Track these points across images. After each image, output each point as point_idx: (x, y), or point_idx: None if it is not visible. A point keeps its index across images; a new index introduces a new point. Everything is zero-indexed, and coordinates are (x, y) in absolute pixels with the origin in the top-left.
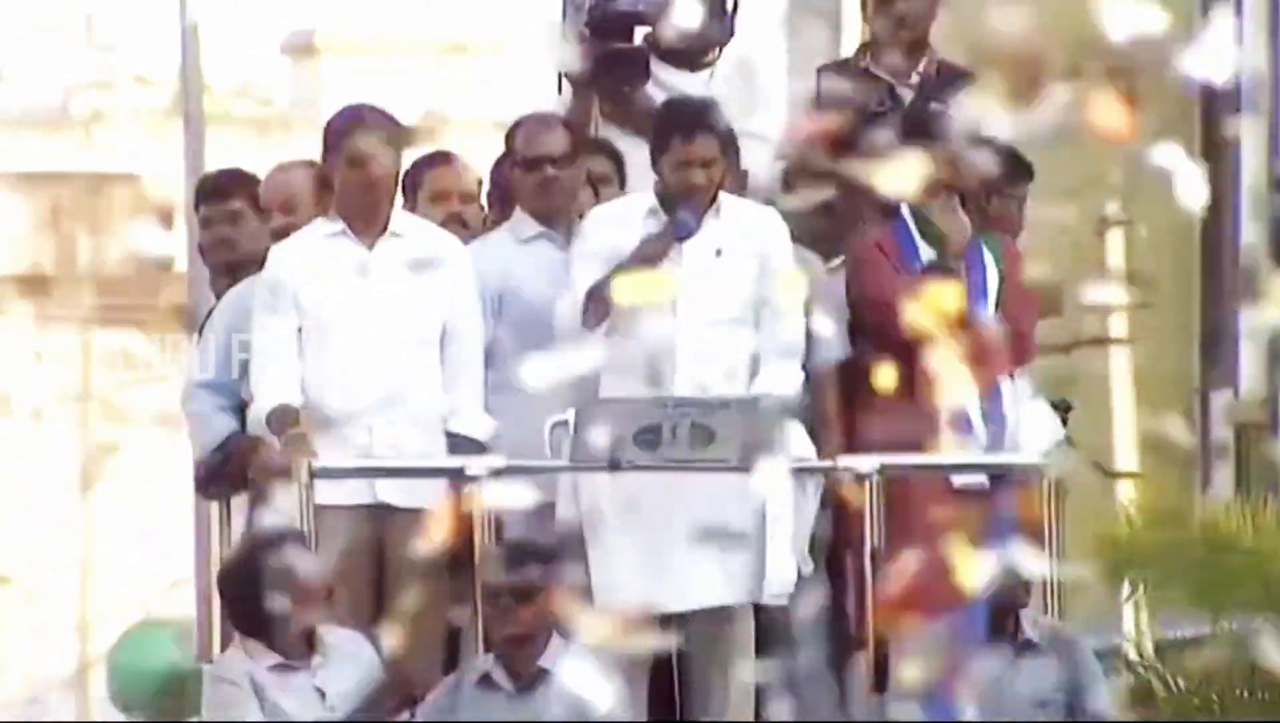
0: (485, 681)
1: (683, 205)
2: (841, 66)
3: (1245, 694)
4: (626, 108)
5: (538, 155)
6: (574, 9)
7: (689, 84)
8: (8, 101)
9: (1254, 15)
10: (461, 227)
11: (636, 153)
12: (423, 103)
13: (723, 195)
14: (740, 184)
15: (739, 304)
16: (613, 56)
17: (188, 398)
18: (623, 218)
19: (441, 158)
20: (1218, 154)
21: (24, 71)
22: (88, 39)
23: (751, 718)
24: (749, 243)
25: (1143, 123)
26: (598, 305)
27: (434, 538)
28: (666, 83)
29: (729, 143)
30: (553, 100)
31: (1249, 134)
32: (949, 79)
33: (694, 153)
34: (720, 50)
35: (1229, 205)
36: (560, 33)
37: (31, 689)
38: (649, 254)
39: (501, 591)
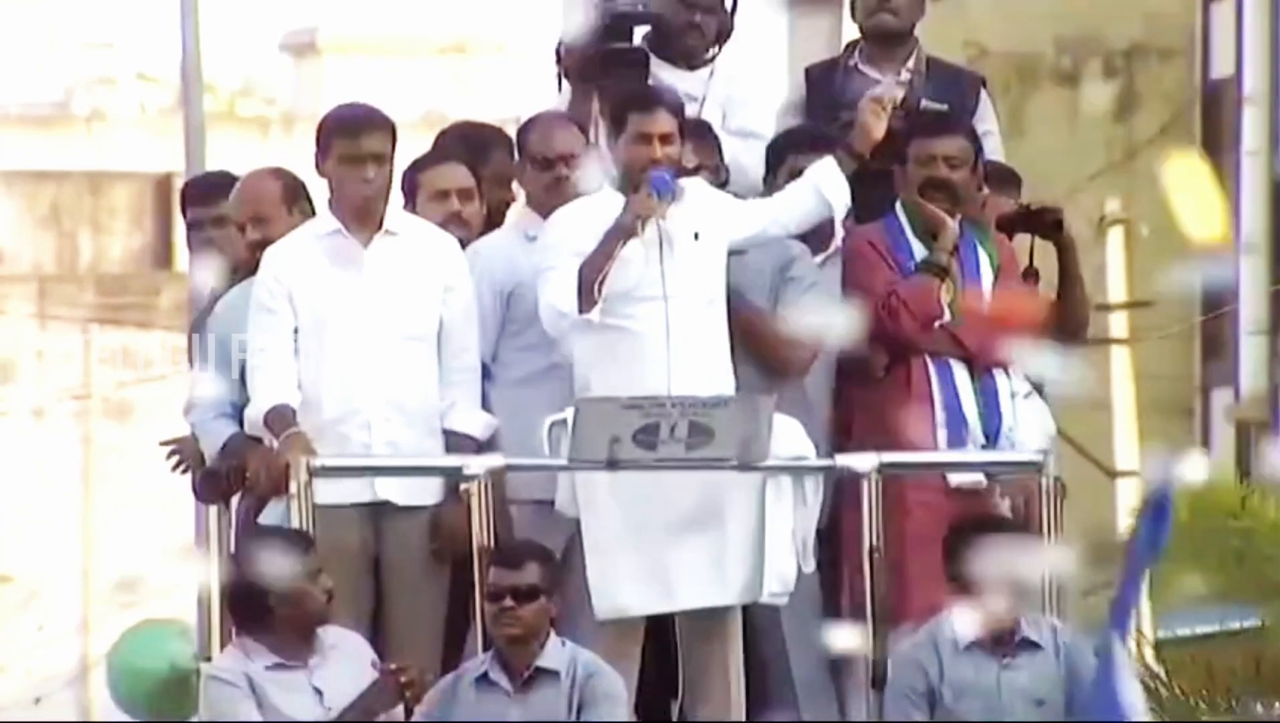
0: (483, 679)
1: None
2: (829, 66)
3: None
4: None
5: (552, 155)
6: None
7: (688, 82)
8: (8, 99)
9: (1254, 15)
10: (462, 225)
11: None
12: (422, 102)
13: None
14: (722, 181)
15: (717, 288)
16: (612, 56)
17: (188, 411)
18: (590, 208)
19: (437, 157)
20: (1218, 153)
21: (24, 69)
22: (88, 37)
23: (743, 717)
24: (720, 226)
25: (1143, 123)
26: (595, 284)
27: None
28: (666, 82)
29: (684, 131)
30: (552, 100)
31: (1249, 134)
32: (939, 76)
33: (651, 125)
34: (719, 48)
35: (1230, 201)
36: (560, 32)
37: (33, 688)
38: (642, 210)
39: (503, 590)
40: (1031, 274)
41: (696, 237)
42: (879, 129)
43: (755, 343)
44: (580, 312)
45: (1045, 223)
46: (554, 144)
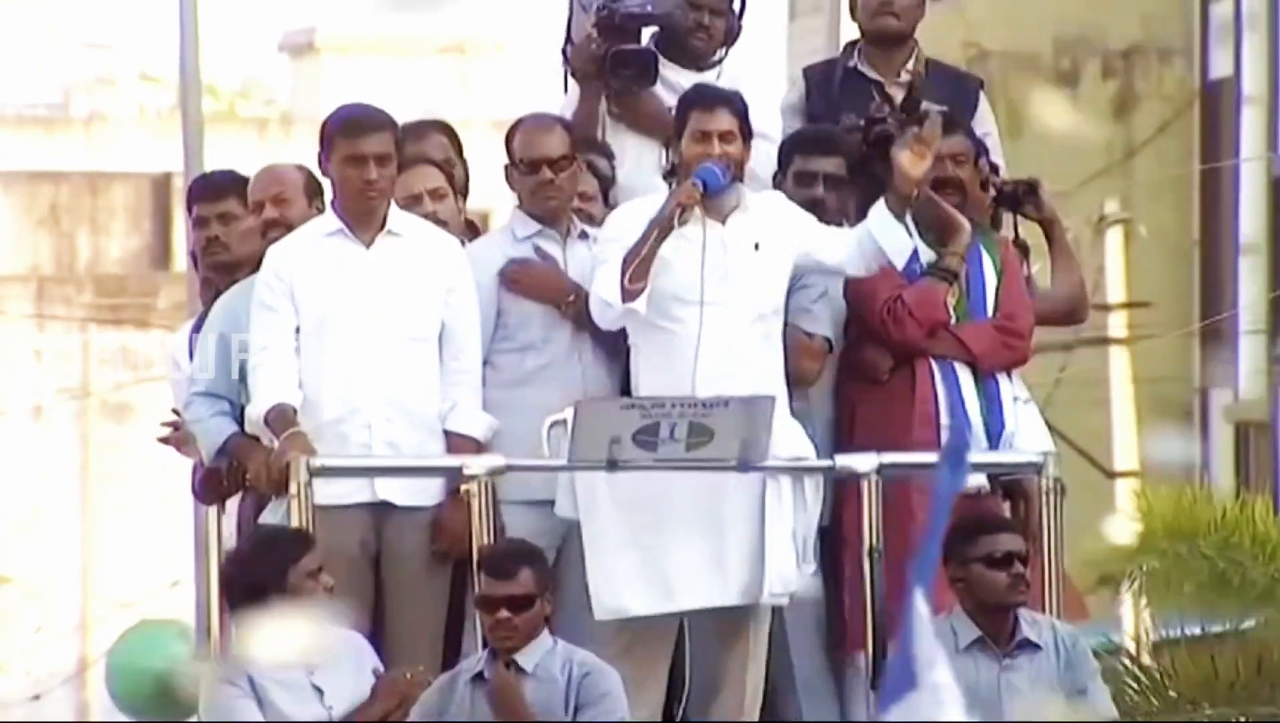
0: (479, 679)
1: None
2: (828, 67)
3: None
4: (634, 108)
5: (535, 157)
6: (581, 10)
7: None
8: (7, 99)
9: (1253, 15)
10: (439, 224)
11: (645, 153)
12: (421, 102)
13: (744, 190)
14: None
15: (771, 302)
16: (620, 57)
17: (185, 409)
18: (650, 204)
19: (402, 164)
20: (1218, 150)
21: (24, 69)
22: (88, 37)
23: (757, 718)
24: (780, 235)
25: (1142, 123)
26: (639, 276)
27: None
28: (674, 83)
29: (750, 134)
30: (559, 100)
31: (1248, 134)
32: (939, 77)
33: (711, 123)
34: (727, 50)
35: (1229, 204)
36: (567, 33)
37: (31, 688)
38: (684, 199)
39: (498, 602)
40: (1020, 246)
41: (756, 247)
42: (919, 169)
43: None
44: (622, 302)
45: (1019, 196)
46: (538, 148)
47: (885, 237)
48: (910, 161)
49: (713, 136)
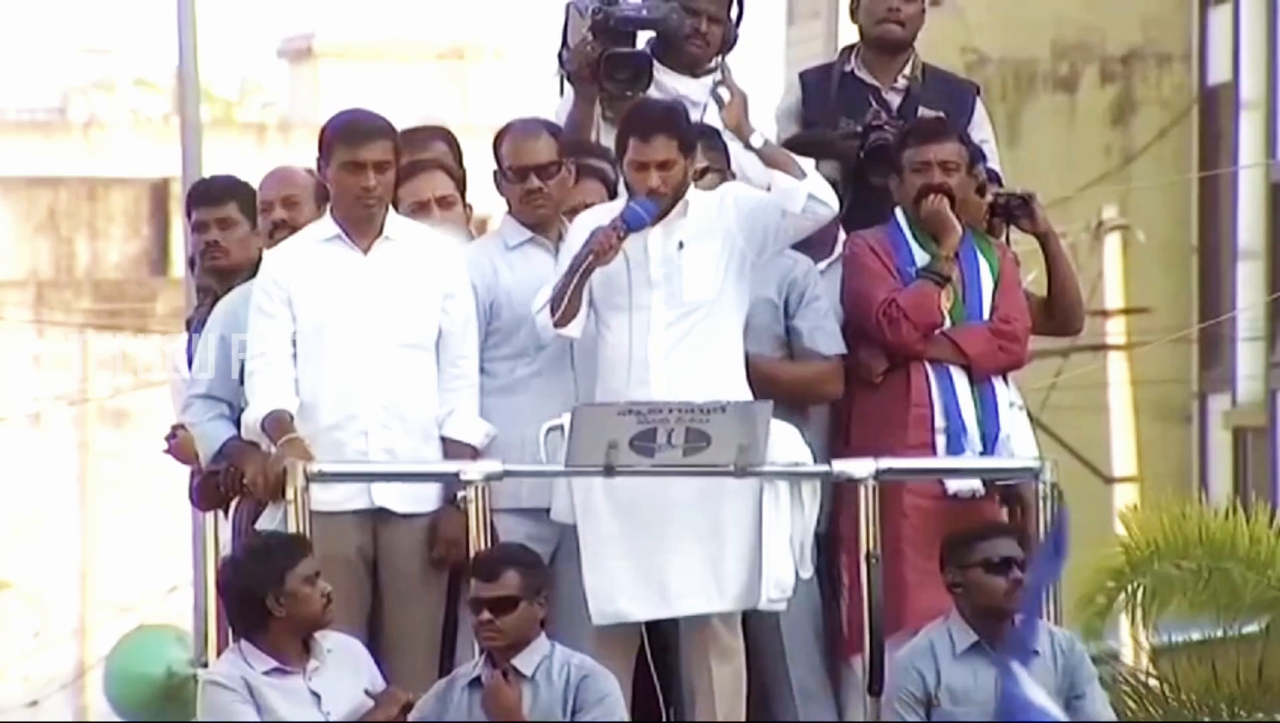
0: (476, 683)
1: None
2: (824, 71)
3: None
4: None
5: (523, 165)
6: (577, 13)
7: (691, 89)
8: (6, 105)
9: (1251, 20)
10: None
11: None
12: (420, 107)
13: (691, 192)
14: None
15: (704, 294)
16: (615, 60)
17: (184, 411)
18: (607, 214)
19: (410, 170)
20: (1217, 155)
21: (22, 75)
22: (86, 43)
23: (742, 719)
24: (713, 226)
25: (1140, 128)
26: (561, 303)
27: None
28: (669, 88)
29: (692, 146)
30: (555, 104)
31: (1247, 138)
32: (934, 83)
33: (648, 153)
34: (723, 57)
35: (1228, 207)
36: (563, 37)
37: (29, 693)
38: (598, 246)
39: (481, 603)
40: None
41: (680, 246)
42: (731, 114)
43: (782, 392)
44: (555, 326)
45: (1013, 210)
46: (525, 155)
47: (777, 187)
48: (726, 115)
49: (649, 166)
